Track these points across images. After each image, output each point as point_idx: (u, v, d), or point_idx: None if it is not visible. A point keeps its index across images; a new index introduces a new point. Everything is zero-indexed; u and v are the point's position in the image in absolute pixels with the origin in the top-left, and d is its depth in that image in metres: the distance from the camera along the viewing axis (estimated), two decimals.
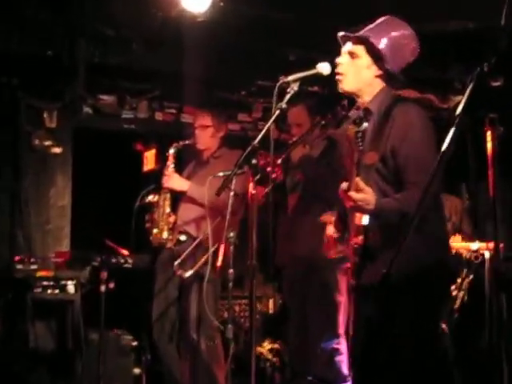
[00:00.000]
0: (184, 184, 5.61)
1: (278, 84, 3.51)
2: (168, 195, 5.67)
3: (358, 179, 3.28)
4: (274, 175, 5.16)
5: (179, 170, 5.75)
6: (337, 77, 3.61)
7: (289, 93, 3.52)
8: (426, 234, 3.15)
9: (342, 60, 3.61)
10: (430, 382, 3.45)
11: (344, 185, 3.34)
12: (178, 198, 5.74)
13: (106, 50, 6.53)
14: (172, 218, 5.68)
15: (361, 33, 3.59)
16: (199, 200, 5.47)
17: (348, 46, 3.63)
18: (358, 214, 3.42)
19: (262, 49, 6.53)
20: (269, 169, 5.00)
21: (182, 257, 5.31)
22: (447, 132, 2.35)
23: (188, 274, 5.22)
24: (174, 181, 5.62)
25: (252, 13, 6.00)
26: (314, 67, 3.63)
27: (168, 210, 5.68)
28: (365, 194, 3.27)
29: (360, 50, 3.60)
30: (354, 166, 3.36)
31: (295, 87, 3.51)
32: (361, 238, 3.45)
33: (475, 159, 2.43)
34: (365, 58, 3.60)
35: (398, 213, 3.34)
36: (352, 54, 3.60)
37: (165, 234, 5.64)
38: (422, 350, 3.43)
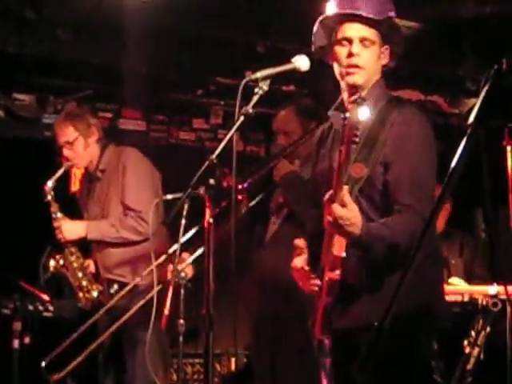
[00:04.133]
0: (79, 229, 5.61)
1: (242, 82, 3.48)
2: (73, 248, 5.69)
3: (345, 190, 3.21)
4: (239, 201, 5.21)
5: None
6: (352, 69, 3.57)
7: (257, 93, 3.48)
8: (418, 275, 3.03)
9: (357, 50, 3.55)
10: None
11: (329, 193, 3.26)
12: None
13: (25, 37, 6.49)
14: (91, 268, 5.74)
15: (375, 12, 3.53)
16: (108, 239, 5.52)
17: (361, 30, 3.57)
18: (336, 242, 3.34)
19: (223, 38, 6.54)
20: (239, 196, 5.06)
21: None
22: (458, 144, 2.34)
23: None
24: (67, 230, 5.61)
25: None
26: (289, 61, 3.60)
27: (80, 263, 5.71)
28: (349, 210, 3.21)
29: (376, 35, 3.59)
30: (342, 171, 3.21)
31: (265, 86, 3.48)
32: (338, 272, 3.40)
33: (492, 180, 2.43)
34: (378, 45, 3.61)
35: (387, 243, 3.34)
36: (369, 41, 3.57)
37: (94, 294, 5.67)
38: None
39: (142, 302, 5.01)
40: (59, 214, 5.61)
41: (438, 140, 3.70)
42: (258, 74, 3.48)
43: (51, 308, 5.90)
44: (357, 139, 3.08)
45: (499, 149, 2.26)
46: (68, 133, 5.65)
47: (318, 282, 3.56)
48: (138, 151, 5.74)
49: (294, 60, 3.57)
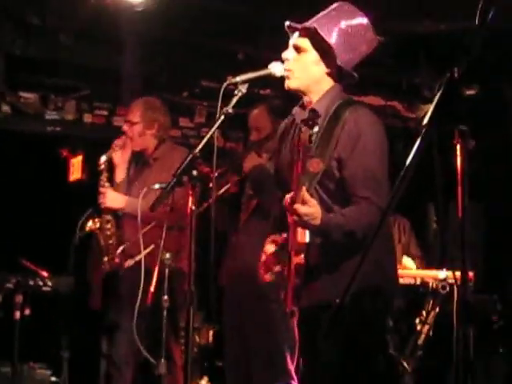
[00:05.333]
0: (120, 200, 5.52)
1: (223, 85, 3.46)
2: (109, 216, 5.58)
3: (303, 190, 3.26)
4: (226, 189, 5.21)
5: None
6: (286, 73, 3.56)
7: (236, 95, 3.47)
8: (373, 259, 3.09)
9: (288, 55, 3.57)
10: None
11: (289, 196, 3.33)
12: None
13: (30, 41, 6.46)
14: (120, 241, 5.58)
15: (308, 23, 3.56)
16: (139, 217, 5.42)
17: (294, 39, 3.60)
18: (300, 231, 3.39)
19: (208, 45, 6.53)
20: (211, 184, 5.01)
21: None
22: (413, 144, 2.33)
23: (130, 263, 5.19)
24: (109, 198, 5.51)
25: (197, 4, 6.00)
26: (265, 67, 3.58)
27: (112, 231, 5.60)
28: (310, 207, 3.26)
29: (306, 43, 3.57)
30: (299, 178, 3.31)
31: (243, 89, 3.46)
32: (302, 256, 3.43)
33: (443, 177, 2.45)
34: (312, 53, 3.58)
35: (345, 230, 3.37)
36: (299, 48, 3.58)
37: (117, 260, 5.54)
38: (365, 367, 3.55)
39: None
40: (107, 184, 5.50)
41: (397, 141, 3.72)
42: (238, 78, 3.46)
43: (50, 283, 5.85)
44: (311, 153, 3.24)
45: (452, 148, 2.25)
46: (135, 114, 5.60)
47: (279, 268, 3.59)
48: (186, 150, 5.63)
49: (270, 66, 3.56)
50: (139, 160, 5.71)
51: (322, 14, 3.61)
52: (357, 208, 3.43)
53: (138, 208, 5.21)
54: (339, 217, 3.41)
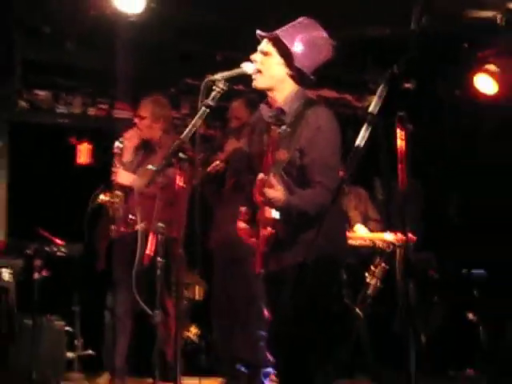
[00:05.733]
0: (130, 178, 5.53)
1: (204, 82, 3.47)
2: (119, 192, 5.57)
3: (272, 177, 3.35)
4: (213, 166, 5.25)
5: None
6: (254, 76, 3.60)
7: (214, 90, 3.47)
8: (327, 230, 3.23)
9: (256, 57, 3.60)
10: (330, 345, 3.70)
11: (260, 178, 3.41)
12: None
13: (42, 47, 6.43)
14: (126, 212, 5.57)
15: (274, 32, 3.58)
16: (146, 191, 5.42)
17: (262, 45, 3.63)
18: (267, 208, 3.46)
19: (191, 49, 6.52)
20: (196, 162, 5.06)
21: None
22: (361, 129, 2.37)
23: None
24: (121, 176, 5.52)
25: (181, 16, 5.99)
26: (238, 66, 3.59)
27: (121, 205, 5.60)
28: (276, 191, 3.34)
29: (272, 48, 3.59)
30: (269, 168, 3.41)
31: (221, 85, 3.47)
32: (269, 229, 3.49)
33: (387, 155, 2.48)
34: (276, 56, 3.59)
35: (300, 209, 3.43)
36: (265, 53, 3.60)
37: (122, 228, 5.58)
38: (321, 316, 3.58)
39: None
40: (118, 165, 5.51)
41: (348, 127, 3.75)
42: (216, 76, 3.47)
43: (63, 249, 5.86)
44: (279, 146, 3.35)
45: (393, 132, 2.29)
46: (144, 109, 5.61)
47: (254, 239, 3.63)
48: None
49: (242, 66, 3.57)
50: (147, 147, 5.70)
51: (288, 25, 3.62)
52: (312, 191, 3.48)
53: (142, 184, 5.27)
54: (297, 199, 3.47)
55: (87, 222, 5.59)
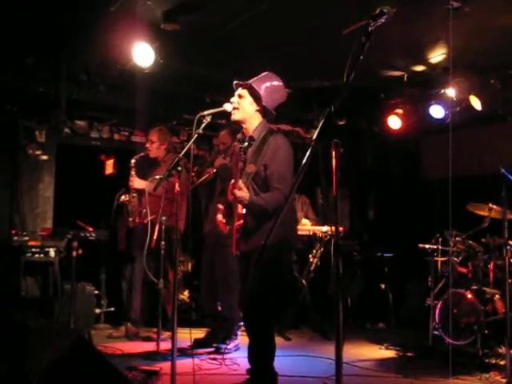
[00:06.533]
0: (143, 183, 5.48)
1: (196, 117, 3.44)
2: (135, 194, 5.53)
3: (240, 181, 3.42)
4: (206, 177, 5.22)
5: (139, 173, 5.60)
6: (232, 111, 3.62)
7: (204, 123, 3.45)
8: (281, 223, 3.21)
9: (234, 99, 3.64)
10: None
11: (232, 183, 3.50)
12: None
13: (81, 90, 6.35)
14: (140, 208, 5.52)
15: (247, 82, 3.65)
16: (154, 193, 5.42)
17: (238, 90, 3.68)
18: (239, 206, 3.51)
19: (188, 93, 6.50)
20: (192, 174, 5.03)
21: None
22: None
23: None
24: (136, 182, 5.49)
25: (182, 68, 5.97)
26: (221, 106, 3.59)
27: (136, 203, 5.54)
28: (243, 192, 3.40)
29: (245, 92, 3.64)
30: (239, 172, 3.51)
31: (208, 119, 3.45)
32: (241, 221, 3.53)
33: (325, 171, 2.46)
34: (248, 98, 3.64)
35: (262, 208, 3.46)
36: (240, 96, 3.64)
37: (137, 220, 5.53)
38: (277, 283, 3.61)
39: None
40: (133, 173, 5.47)
41: (299, 152, 3.75)
42: (205, 113, 3.46)
43: (93, 235, 5.77)
44: (243, 159, 3.54)
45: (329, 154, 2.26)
46: (154, 137, 5.62)
47: (228, 228, 3.67)
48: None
49: (224, 105, 3.58)
50: (154, 162, 5.67)
51: (257, 77, 3.69)
52: (271, 194, 3.50)
53: (151, 188, 5.23)
54: (260, 199, 3.49)
55: (113, 215, 5.61)
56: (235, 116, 3.63)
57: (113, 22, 4.89)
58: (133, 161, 5.48)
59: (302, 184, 2.39)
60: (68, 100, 6.29)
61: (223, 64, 5.68)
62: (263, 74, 3.69)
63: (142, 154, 5.59)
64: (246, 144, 3.52)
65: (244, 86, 3.65)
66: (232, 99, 3.64)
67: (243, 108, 3.63)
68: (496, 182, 4.16)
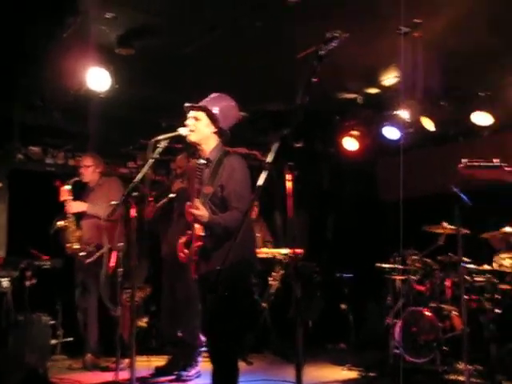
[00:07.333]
0: (82, 206, 5.51)
1: (151, 141, 3.41)
2: (72, 218, 5.51)
3: (197, 200, 3.40)
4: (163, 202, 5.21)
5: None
6: (186, 133, 3.57)
7: (159, 147, 3.41)
8: (241, 241, 3.20)
9: (190, 122, 3.59)
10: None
11: (188, 204, 3.44)
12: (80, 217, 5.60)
13: (35, 115, 6.27)
14: (78, 233, 5.53)
15: (201, 103, 3.62)
16: (96, 214, 5.42)
17: (192, 113, 3.62)
18: (197, 227, 3.46)
19: (144, 118, 6.46)
20: (150, 199, 4.98)
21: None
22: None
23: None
24: (74, 206, 5.49)
25: (137, 93, 5.94)
26: (176, 130, 3.55)
27: (74, 228, 5.52)
28: (201, 211, 3.37)
29: (201, 115, 3.61)
30: (195, 192, 3.47)
31: (164, 143, 3.42)
32: (200, 243, 3.47)
33: (280, 194, 2.47)
34: (204, 120, 3.60)
35: (221, 227, 3.41)
36: (196, 118, 3.60)
37: (75, 245, 5.49)
38: (236, 308, 3.48)
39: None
40: (70, 197, 5.49)
41: (256, 173, 3.73)
42: (160, 137, 3.42)
43: (48, 263, 5.64)
44: (199, 176, 3.51)
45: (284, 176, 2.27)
46: (88, 161, 5.68)
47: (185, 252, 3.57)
48: (117, 179, 5.78)
49: (178, 129, 3.54)
50: (87, 187, 5.74)
51: (208, 98, 3.66)
52: (229, 213, 3.46)
53: (96, 210, 5.38)
54: (219, 218, 3.45)
55: (52, 241, 5.51)
56: (191, 137, 3.59)
57: (66, 47, 4.85)
58: (67, 186, 5.48)
59: (260, 207, 2.40)
60: (22, 125, 6.19)
61: (179, 88, 5.67)
62: (214, 95, 3.67)
63: (76, 178, 5.60)
64: (203, 161, 3.47)
65: (198, 109, 3.62)
66: (187, 121, 3.59)
67: (199, 130, 3.59)
68: (449, 201, 4.24)
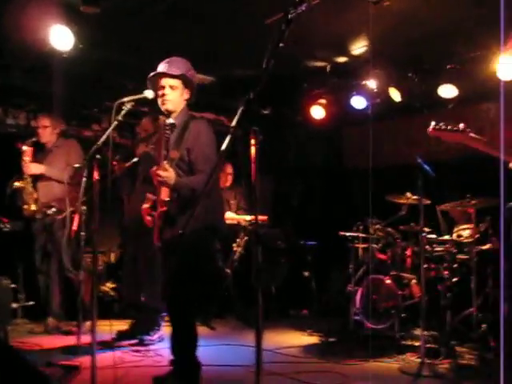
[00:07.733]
0: (41, 168, 5.41)
1: (115, 103, 3.33)
2: (29, 179, 5.42)
3: (164, 162, 3.38)
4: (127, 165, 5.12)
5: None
6: (164, 101, 3.55)
7: (124, 110, 3.34)
8: (206, 206, 3.21)
9: (167, 91, 3.56)
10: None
11: (155, 167, 3.42)
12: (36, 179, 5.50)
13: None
14: (35, 195, 5.45)
15: (173, 71, 3.55)
16: (54, 177, 5.37)
17: (169, 81, 3.56)
18: (163, 192, 3.43)
19: (110, 79, 6.31)
20: (114, 162, 4.91)
21: None
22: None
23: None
24: (31, 168, 5.39)
25: (103, 54, 5.78)
26: (142, 93, 3.47)
27: (31, 189, 5.43)
28: (168, 173, 3.36)
29: (177, 82, 3.58)
30: (163, 155, 3.43)
31: (129, 106, 3.36)
32: (164, 208, 3.47)
33: (244, 158, 2.47)
34: (180, 88, 3.59)
35: (189, 188, 3.41)
36: (172, 87, 3.57)
37: (32, 207, 5.43)
38: (200, 273, 3.53)
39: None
40: (27, 159, 5.39)
41: (221, 137, 3.70)
42: (125, 99, 3.36)
43: (8, 226, 5.55)
44: (167, 135, 3.42)
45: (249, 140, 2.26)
46: (46, 122, 5.57)
47: (150, 217, 3.56)
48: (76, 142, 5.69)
49: (144, 92, 3.47)
50: (45, 148, 5.63)
51: (168, 63, 3.59)
52: (197, 176, 3.46)
53: (55, 173, 5.34)
54: (186, 180, 3.46)
55: (10, 202, 5.43)
56: (169, 106, 3.57)
57: (28, 2, 4.66)
58: (24, 147, 5.39)
59: (238, 174, 2.39)
60: None
61: (146, 51, 5.54)
62: (176, 59, 3.63)
63: (33, 139, 5.49)
64: (171, 121, 3.44)
65: (176, 77, 3.57)
66: (165, 91, 3.55)
67: (176, 99, 3.58)
68: (413, 172, 4.29)
